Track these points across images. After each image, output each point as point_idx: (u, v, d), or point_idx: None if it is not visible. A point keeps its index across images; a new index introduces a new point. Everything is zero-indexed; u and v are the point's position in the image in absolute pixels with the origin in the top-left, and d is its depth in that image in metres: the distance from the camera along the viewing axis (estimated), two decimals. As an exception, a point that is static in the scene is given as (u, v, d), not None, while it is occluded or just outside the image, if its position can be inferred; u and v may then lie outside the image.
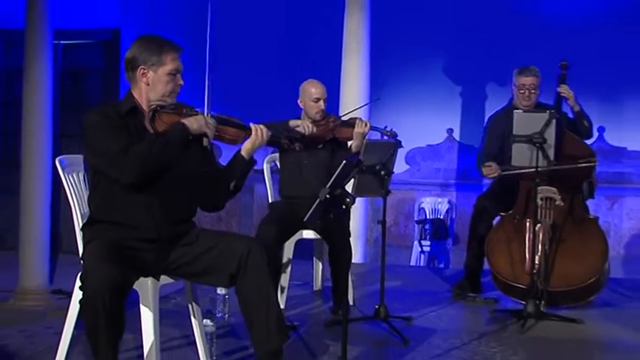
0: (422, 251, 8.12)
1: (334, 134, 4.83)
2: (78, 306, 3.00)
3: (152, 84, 3.18)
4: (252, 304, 3.12)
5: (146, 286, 3.21)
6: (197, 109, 3.26)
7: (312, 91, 4.84)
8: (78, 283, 2.93)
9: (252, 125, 3.34)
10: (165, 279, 3.30)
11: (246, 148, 3.32)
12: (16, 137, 7.77)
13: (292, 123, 4.76)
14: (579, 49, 7.31)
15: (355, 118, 4.92)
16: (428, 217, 8.23)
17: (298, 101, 4.92)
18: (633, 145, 8.05)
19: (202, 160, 3.28)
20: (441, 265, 7.92)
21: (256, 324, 3.11)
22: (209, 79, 2.79)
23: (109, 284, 2.83)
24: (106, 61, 8.94)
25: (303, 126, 4.70)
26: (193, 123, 3.14)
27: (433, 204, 8.32)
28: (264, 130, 3.34)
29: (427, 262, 8.04)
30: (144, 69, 3.17)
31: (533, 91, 5.28)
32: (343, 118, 4.95)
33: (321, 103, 4.83)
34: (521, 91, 5.29)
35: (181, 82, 3.25)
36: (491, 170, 5.18)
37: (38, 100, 7.37)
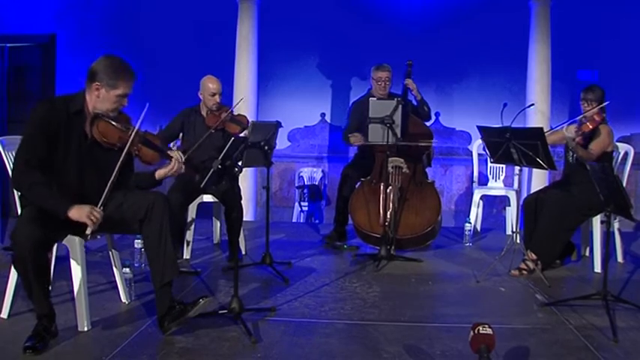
0: (301, 210, 8.18)
1: (224, 127, 4.69)
2: (15, 259, 2.95)
3: (102, 98, 3.08)
4: (153, 244, 3.13)
5: (74, 243, 3.20)
6: (132, 123, 3.16)
7: (209, 86, 4.73)
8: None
9: (174, 154, 3.27)
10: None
11: (160, 173, 3.29)
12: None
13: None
14: (421, 50, 7.46)
15: (244, 117, 4.80)
16: (306, 183, 8.30)
17: (198, 93, 4.81)
18: (460, 126, 8.37)
19: (123, 165, 3.14)
20: (316, 221, 8.00)
21: (154, 260, 3.13)
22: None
23: (33, 241, 2.80)
24: (44, 60, 8.75)
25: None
26: (75, 213, 2.91)
27: (310, 173, 8.39)
28: (182, 163, 3.29)
29: (305, 219, 8.11)
30: (99, 85, 3.06)
31: (387, 82, 5.37)
32: (234, 113, 4.80)
33: (217, 97, 4.73)
34: (378, 83, 5.36)
35: (125, 104, 3.15)
36: (356, 139, 5.23)
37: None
